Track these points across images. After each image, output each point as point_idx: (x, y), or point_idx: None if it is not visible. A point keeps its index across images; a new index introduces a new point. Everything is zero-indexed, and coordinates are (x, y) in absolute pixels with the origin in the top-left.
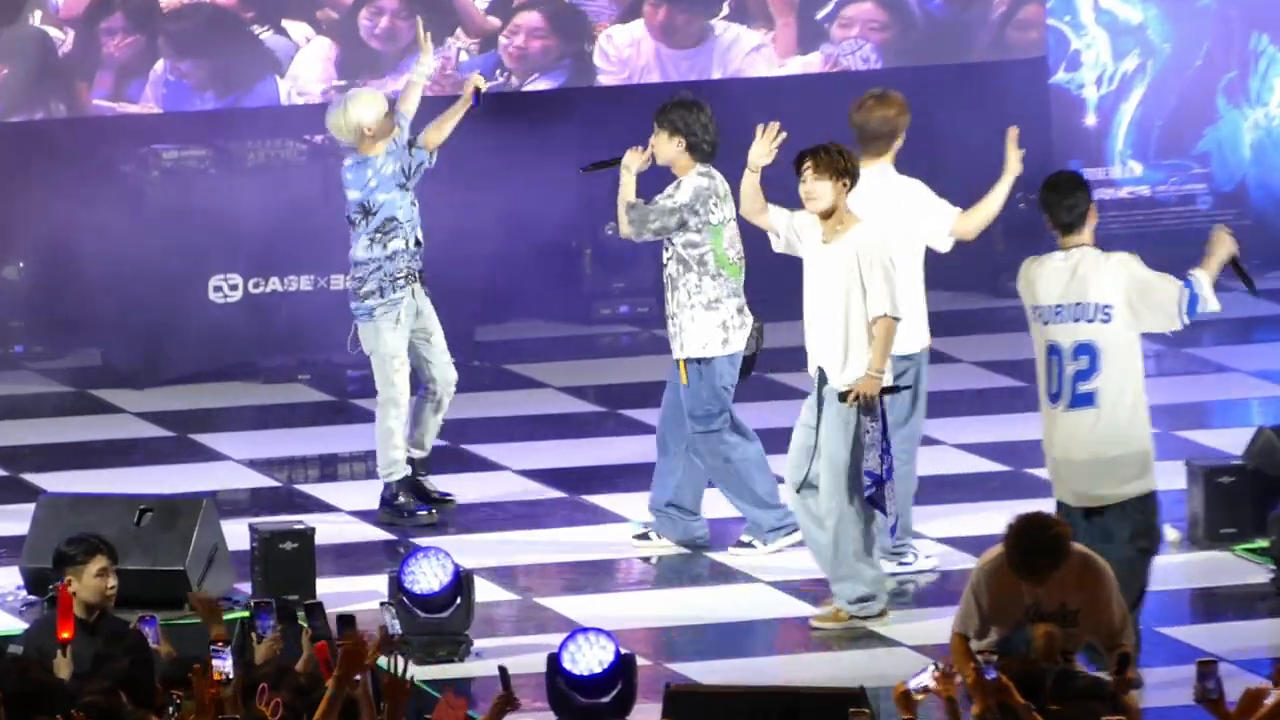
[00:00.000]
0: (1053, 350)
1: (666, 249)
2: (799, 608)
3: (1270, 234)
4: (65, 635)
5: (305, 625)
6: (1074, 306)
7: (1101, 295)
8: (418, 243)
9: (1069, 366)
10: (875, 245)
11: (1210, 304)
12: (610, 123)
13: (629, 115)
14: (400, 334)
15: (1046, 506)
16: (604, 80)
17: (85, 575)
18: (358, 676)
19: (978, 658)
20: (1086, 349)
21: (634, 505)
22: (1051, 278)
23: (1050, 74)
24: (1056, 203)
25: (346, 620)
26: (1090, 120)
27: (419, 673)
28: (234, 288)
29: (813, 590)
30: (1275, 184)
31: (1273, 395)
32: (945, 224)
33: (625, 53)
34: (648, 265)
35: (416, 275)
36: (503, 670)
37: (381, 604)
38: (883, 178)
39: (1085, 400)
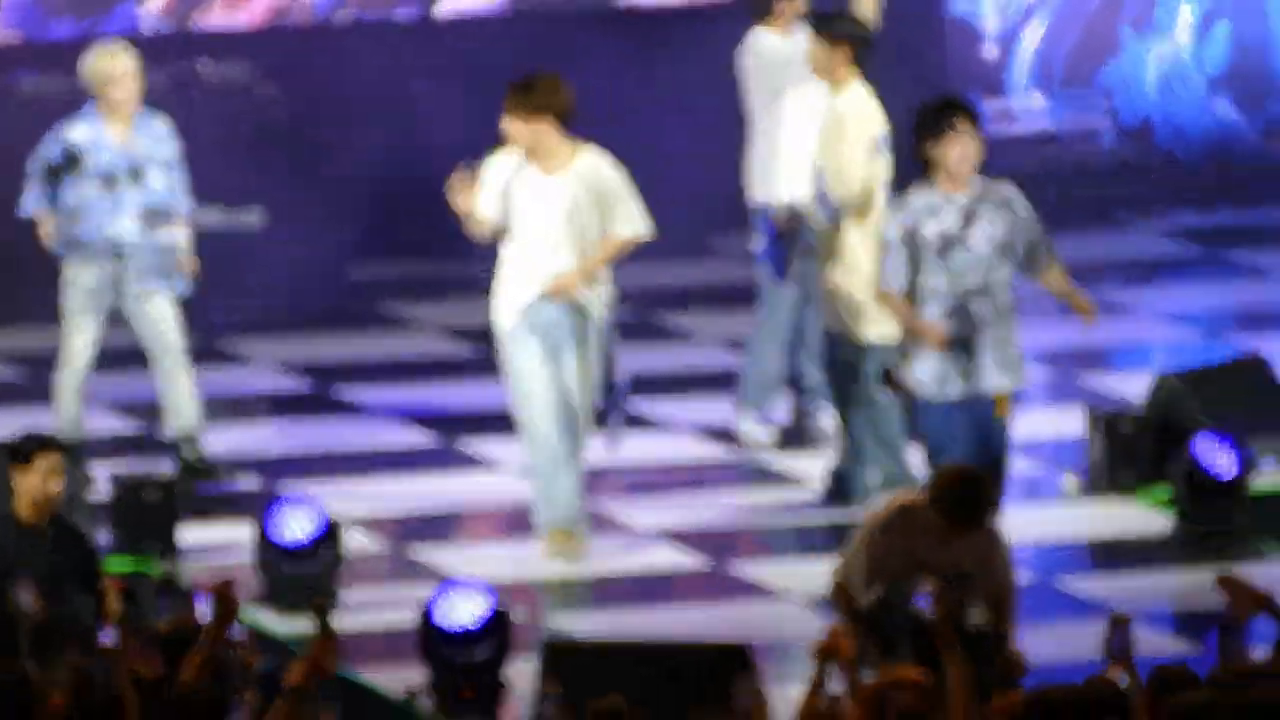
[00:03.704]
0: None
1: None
2: (682, 561)
3: (1177, 172)
4: None
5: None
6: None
7: None
8: None
9: None
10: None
11: None
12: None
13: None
14: None
15: None
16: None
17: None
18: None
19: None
20: None
21: (509, 452)
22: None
23: (946, 4)
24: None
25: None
26: (990, 51)
27: (286, 626)
28: None
29: (706, 542)
30: (1182, 119)
31: (1176, 339)
32: None
33: None
34: None
35: None
36: (319, 606)
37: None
38: None
39: None
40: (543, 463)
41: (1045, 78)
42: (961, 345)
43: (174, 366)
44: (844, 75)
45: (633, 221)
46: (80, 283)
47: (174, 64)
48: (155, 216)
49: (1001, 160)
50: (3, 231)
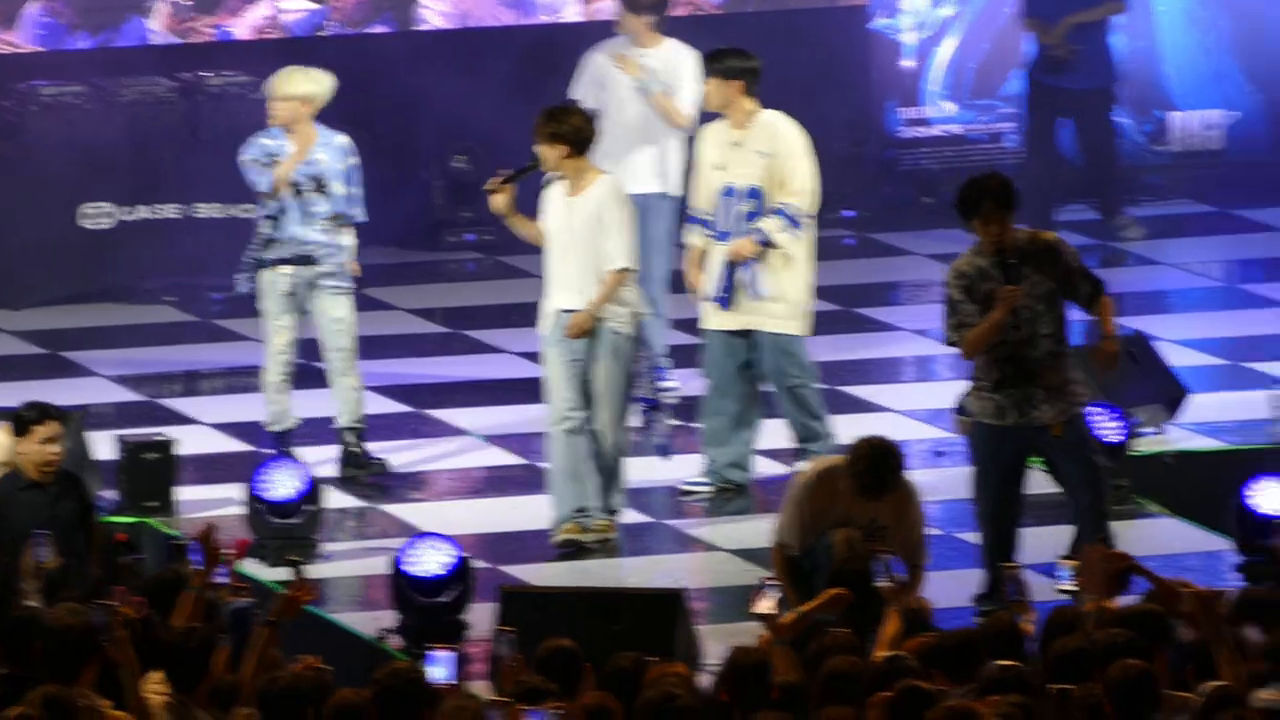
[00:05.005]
0: None
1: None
2: (624, 515)
3: (1074, 171)
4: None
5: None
6: None
7: None
8: None
9: None
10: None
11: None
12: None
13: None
14: None
15: None
16: (431, 24)
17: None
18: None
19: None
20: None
21: (473, 419)
22: None
23: (869, 19)
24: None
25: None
26: (908, 63)
27: (272, 574)
28: (106, 215)
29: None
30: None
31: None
32: None
33: None
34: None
35: None
36: (295, 564)
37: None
38: None
39: None
40: (553, 461)
41: (957, 87)
42: (1016, 385)
43: (337, 361)
44: (746, 106)
45: (615, 256)
46: (277, 287)
47: (180, 73)
48: (338, 223)
49: (914, 160)
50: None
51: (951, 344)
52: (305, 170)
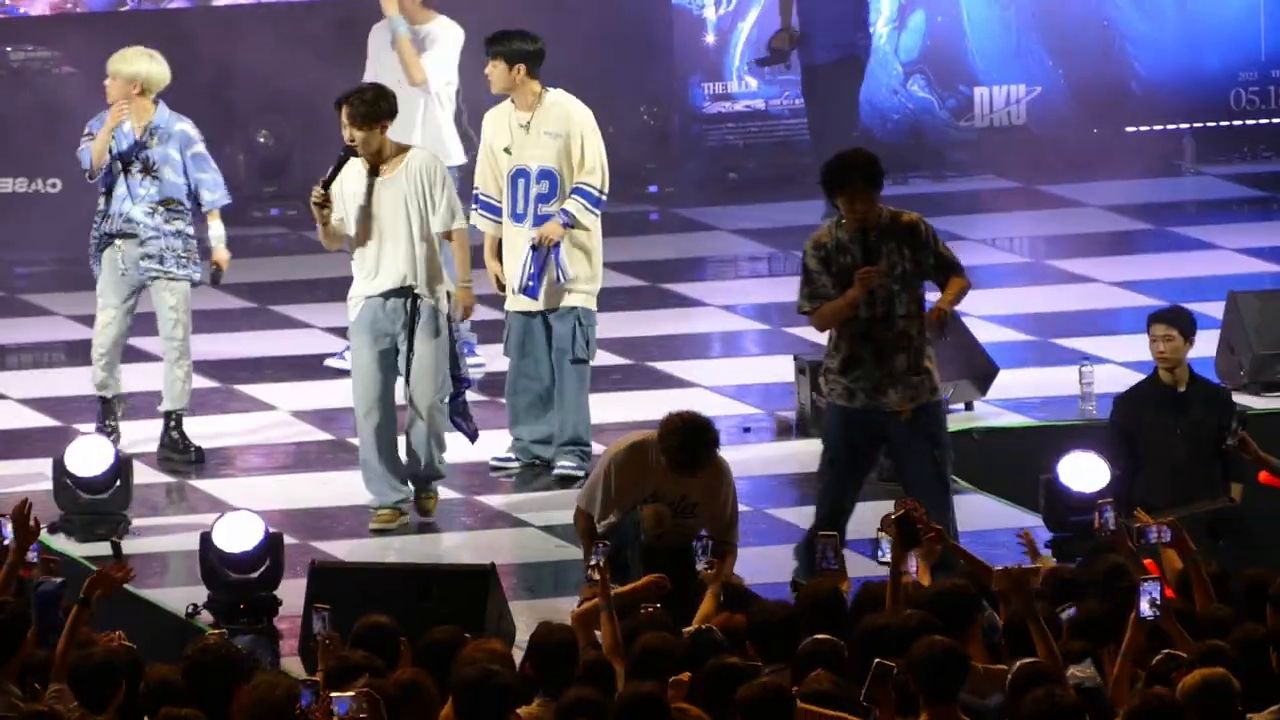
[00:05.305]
0: None
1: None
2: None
3: (875, 147)
4: None
5: None
6: None
7: None
8: None
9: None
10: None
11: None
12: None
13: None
14: None
15: None
16: None
17: None
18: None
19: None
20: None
21: (281, 394)
22: None
23: None
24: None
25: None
26: (710, 38)
27: (81, 550)
28: None
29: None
30: (880, 100)
31: None
32: None
33: None
34: (294, 170)
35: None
36: (115, 544)
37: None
38: None
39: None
40: (364, 450)
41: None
42: (868, 364)
43: (169, 350)
44: (534, 88)
45: (445, 215)
46: (113, 266)
47: None
48: (169, 207)
49: (718, 135)
50: None
51: (803, 313)
52: (132, 150)
